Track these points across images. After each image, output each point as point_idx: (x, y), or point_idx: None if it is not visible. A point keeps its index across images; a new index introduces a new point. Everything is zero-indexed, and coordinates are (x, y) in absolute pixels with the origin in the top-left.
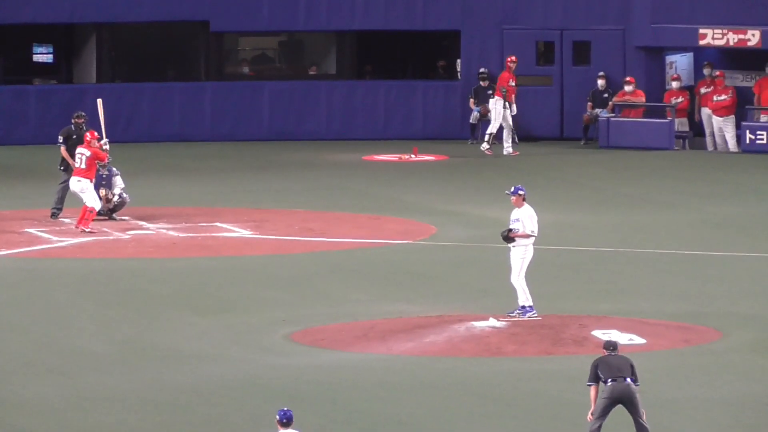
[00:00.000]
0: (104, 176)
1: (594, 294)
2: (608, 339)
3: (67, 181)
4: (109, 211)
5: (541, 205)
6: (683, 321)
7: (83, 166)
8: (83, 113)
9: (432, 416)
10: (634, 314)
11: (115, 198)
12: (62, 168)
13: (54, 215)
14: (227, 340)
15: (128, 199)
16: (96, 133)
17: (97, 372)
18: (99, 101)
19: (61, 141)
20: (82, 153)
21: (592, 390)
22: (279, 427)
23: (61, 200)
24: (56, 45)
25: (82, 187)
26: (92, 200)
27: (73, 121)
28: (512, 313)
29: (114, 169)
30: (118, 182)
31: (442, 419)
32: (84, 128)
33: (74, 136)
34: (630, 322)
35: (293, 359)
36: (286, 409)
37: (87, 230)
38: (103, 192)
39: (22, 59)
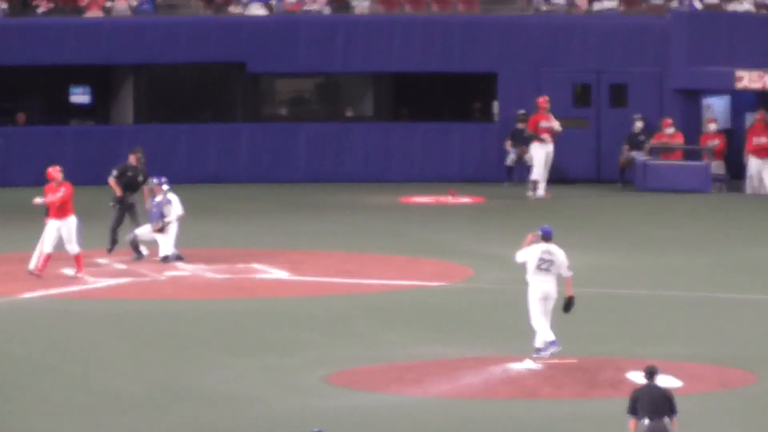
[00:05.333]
0: (155, 207)
1: (630, 337)
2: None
3: (122, 208)
4: (159, 231)
5: (577, 247)
6: (719, 364)
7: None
8: (140, 149)
9: None
10: (669, 357)
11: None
12: (112, 204)
13: (110, 250)
14: (263, 382)
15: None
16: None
17: (132, 414)
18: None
19: (115, 174)
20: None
21: (631, 423)
22: None
23: (114, 232)
24: (93, 86)
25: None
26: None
27: (133, 162)
28: (544, 353)
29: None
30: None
31: None
32: (140, 170)
33: (129, 173)
34: (666, 365)
35: (329, 401)
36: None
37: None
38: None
39: (59, 100)
